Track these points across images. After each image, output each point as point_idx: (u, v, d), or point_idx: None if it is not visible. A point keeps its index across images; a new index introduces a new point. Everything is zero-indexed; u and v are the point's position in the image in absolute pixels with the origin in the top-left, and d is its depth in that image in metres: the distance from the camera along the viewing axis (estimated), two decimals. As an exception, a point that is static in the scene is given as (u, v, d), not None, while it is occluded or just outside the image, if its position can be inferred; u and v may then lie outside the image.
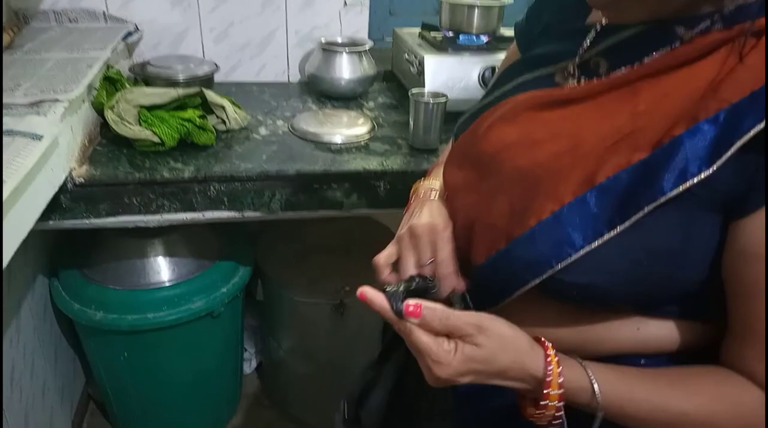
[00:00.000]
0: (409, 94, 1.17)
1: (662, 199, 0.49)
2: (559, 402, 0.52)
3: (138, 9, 1.44)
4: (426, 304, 0.52)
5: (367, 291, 0.55)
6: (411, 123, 1.20)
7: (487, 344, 0.52)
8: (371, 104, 1.46)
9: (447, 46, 1.34)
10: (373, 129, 1.27)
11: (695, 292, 0.54)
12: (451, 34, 1.39)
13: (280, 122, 1.30)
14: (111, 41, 1.31)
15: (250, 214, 1.12)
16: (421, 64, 1.30)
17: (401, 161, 1.16)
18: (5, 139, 0.84)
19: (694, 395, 0.52)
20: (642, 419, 0.53)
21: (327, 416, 1.65)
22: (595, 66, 0.60)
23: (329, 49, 1.44)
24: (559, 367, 0.52)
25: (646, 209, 0.50)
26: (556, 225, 0.53)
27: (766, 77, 0.47)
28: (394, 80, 1.57)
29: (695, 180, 0.49)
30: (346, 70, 1.44)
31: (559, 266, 0.53)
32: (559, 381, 0.52)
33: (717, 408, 0.52)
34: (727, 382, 0.52)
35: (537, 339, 0.55)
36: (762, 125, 0.46)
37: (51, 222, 1.05)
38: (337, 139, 1.21)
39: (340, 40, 1.50)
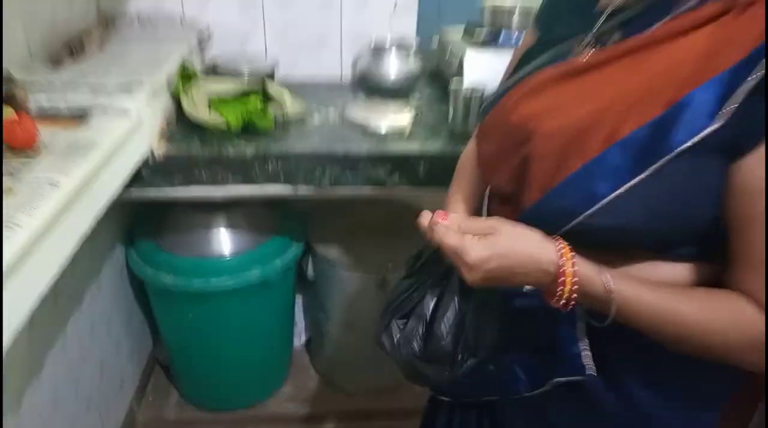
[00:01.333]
0: (450, 84, 1.28)
1: (677, 150, 0.57)
2: (574, 279, 0.61)
3: (210, 12, 1.62)
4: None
5: (421, 215, 0.68)
6: (450, 111, 1.31)
7: (504, 233, 0.63)
8: (416, 98, 1.58)
9: (487, 43, 1.45)
10: (416, 118, 1.40)
11: (705, 233, 0.61)
12: (492, 33, 1.49)
13: (331, 112, 1.45)
14: (186, 39, 1.49)
15: (302, 189, 1.26)
16: (462, 59, 1.41)
17: (440, 145, 1.27)
18: (100, 112, 1.01)
19: (694, 301, 0.60)
20: (644, 316, 0.61)
21: (367, 383, 1.78)
22: (609, 37, 0.68)
23: (378, 49, 1.57)
24: (570, 252, 0.62)
25: (663, 160, 0.58)
26: (585, 177, 0.62)
27: (766, 35, 0.54)
28: (439, 77, 1.69)
29: (704, 133, 0.56)
30: (393, 68, 1.57)
31: (588, 212, 0.61)
32: (573, 260, 0.61)
33: (714, 316, 0.59)
34: (727, 298, 0.60)
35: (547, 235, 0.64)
36: (758, 75, 0.54)
37: (133, 191, 1.22)
38: (383, 125, 1.34)
39: (389, 41, 1.63)
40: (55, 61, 1.24)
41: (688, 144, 0.57)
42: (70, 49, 1.28)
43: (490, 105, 0.80)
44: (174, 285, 1.45)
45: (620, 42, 0.66)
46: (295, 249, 1.59)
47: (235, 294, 1.49)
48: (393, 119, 1.36)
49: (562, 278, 0.61)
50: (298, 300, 1.90)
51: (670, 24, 0.62)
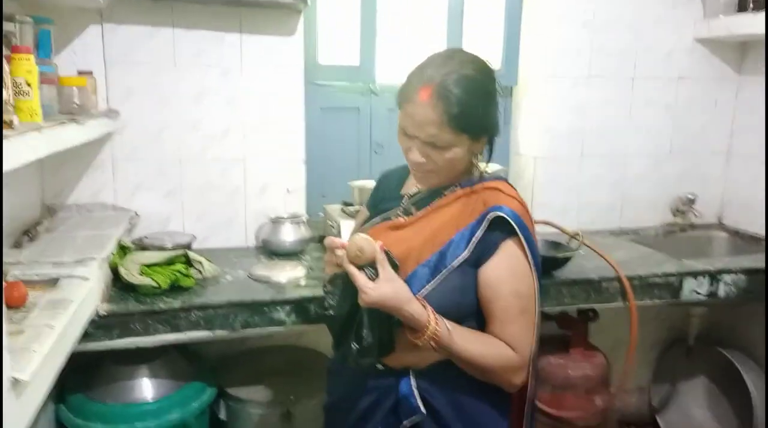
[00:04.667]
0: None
1: (450, 267, 1.07)
2: (436, 321, 1.03)
3: (138, 200, 2.02)
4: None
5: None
6: (332, 266, 1.75)
7: (398, 281, 1.04)
8: (307, 257, 2.02)
9: (356, 215, 1.95)
10: (307, 272, 1.82)
11: (476, 311, 1.09)
12: (360, 207, 2.01)
13: (240, 272, 1.83)
14: (120, 223, 1.86)
15: (219, 332, 1.59)
16: (340, 226, 1.89)
17: (325, 291, 1.68)
18: (66, 279, 1.34)
19: (480, 340, 1.07)
20: (459, 349, 1.05)
21: None
22: (410, 209, 1.19)
23: (277, 221, 2.03)
24: (430, 309, 1.04)
25: (444, 272, 1.07)
26: (410, 281, 1.08)
27: None
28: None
29: (461, 257, 1.07)
30: (288, 235, 2.02)
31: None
32: (433, 313, 1.04)
33: (488, 349, 1.06)
34: (493, 340, 1.07)
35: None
36: (483, 226, 1.06)
37: (78, 345, 1.49)
38: (282, 279, 1.74)
39: (285, 215, 2.09)
40: (16, 244, 1.56)
41: (455, 263, 1.07)
42: (28, 235, 1.61)
43: None
44: (102, 431, 1.65)
45: (416, 213, 1.17)
46: (209, 393, 1.85)
47: (158, 436, 1.70)
48: (290, 274, 1.77)
49: (428, 320, 1.03)
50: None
51: (440, 202, 1.15)
